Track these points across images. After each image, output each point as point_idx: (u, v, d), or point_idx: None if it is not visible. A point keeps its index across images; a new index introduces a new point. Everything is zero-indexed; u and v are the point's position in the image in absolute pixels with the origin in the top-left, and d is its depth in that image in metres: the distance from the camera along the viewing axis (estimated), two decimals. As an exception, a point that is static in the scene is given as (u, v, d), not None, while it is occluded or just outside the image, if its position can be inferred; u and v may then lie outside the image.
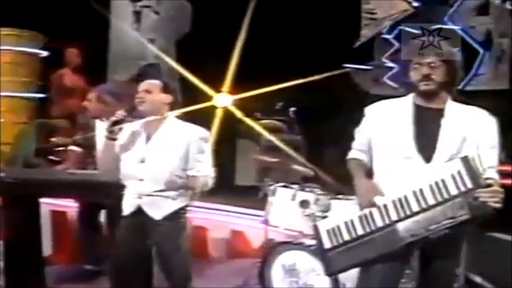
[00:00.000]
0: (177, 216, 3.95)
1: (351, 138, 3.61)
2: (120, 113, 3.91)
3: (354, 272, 3.41)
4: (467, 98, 3.37)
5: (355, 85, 9.41)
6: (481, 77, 8.37)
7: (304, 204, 4.92)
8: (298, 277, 4.60)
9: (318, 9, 8.66)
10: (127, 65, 8.61)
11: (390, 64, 9.07)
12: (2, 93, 7.84)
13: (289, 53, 8.69)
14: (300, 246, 4.66)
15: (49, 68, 8.37)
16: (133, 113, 4.01)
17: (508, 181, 3.19)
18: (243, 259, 6.49)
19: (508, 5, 8.00)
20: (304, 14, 8.79)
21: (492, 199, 2.97)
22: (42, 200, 5.00)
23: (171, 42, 9.00)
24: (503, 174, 3.20)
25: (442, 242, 3.10)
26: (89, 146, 5.19)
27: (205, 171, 3.96)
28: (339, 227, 3.27)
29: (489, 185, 3.01)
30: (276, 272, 4.70)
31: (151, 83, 4.05)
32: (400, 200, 3.13)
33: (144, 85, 4.04)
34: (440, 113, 3.24)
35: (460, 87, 3.49)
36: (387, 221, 3.14)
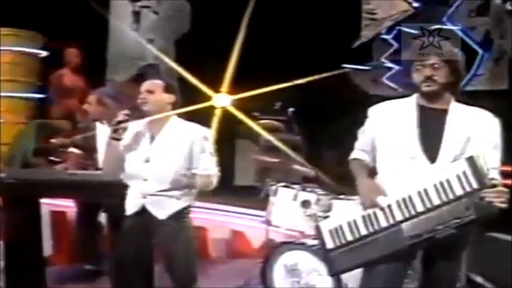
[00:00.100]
0: (182, 215, 3.95)
1: (350, 138, 3.61)
2: (124, 113, 3.91)
3: (356, 272, 3.40)
4: (466, 98, 3.38)
5: (354, 85, 9.41)
6: (480, 77, 8.39)
7: (305, 204, 4.93)
8: (300, 277, 4.59)
9: (317, 9, 8.66)
10: (126, 65, 8.62)
11: (389, 64, 9.07)
12: (2, 94, 7.83)
13: (288, 53, 8.70)
14: (302, 246, 4.65)
15: (48, 68, 8.36)
16: (136, 113, 4.00)
17: (507, 181, 3.18)
18: (243, 259, 6.50)
19: (508, 6, 8.01)
20: (303, 14, 8.80)
21: (498, 199, 2.97)
22: (42, 200, 4.99)
23: (170, 42, 9.01)
24: (503, 175, 3.20)
25: (446, 242, 3.10)
26: (88, 148, 5.19)
27: (210, 170, 3.97)
28: (341, 227, 3.27)
29: (494, 185, 3.02)
30: (278, 272, 4.69)
31: (154, 83, 4.04)
32: (404, 200, 3.14)
33: (146, 85, 4.03)
34: (444, 113, 3.25)
35: (459, 87, 3.49)
36: (391, 221, 3.14)
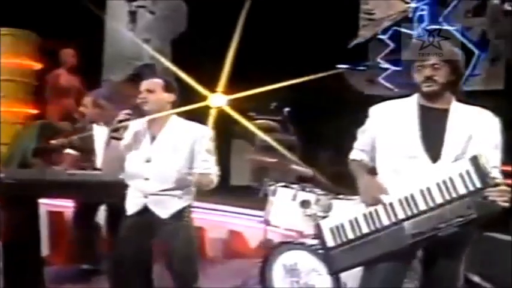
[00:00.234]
0: (183, 214, 3.96)
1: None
2: (125, 112, 3.90)
3: (356, 272, 3.40)
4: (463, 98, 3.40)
5: (350, 85, 9.42)
6: (476, 77, 8.41)
7: (305, 204, 4.92)
8: (299, 277, 4.58)
9: (313, 9, 8.67)
10: (122, 65, 8.60)
11: (385, 65, 9.09)
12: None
13: (284, 53, 8.70)
14: (301, 246, 4.64)
15: (44, 68, 8.35)
16: (136, 113, 4.00)
17: (508, 181, 3.19)
18: (240, 259, 6.50)
19: (506, 6, 8.03)
20: (299, 15, 8.80)
21: (501, 198, 2.98)
22: (40, 200, 4.99)
23: (166, 42, 9.01)
24: (504, 175, 3.21)
25: (447, 241, 3.11)
26: (85, 149, 5.19)
27: (211, 169, 3.98)
28: (343, 225, 3.26)
29: (497, 185, 3.03)
30: (277, 271, 4.68)
31: (154, 82, 4.03)
32: (406, 198, 3.14)
33: (146, 84, 4.02)
34: (445, 113, 3.26)
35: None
36: (393, 219, 3.15)
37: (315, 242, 4.57)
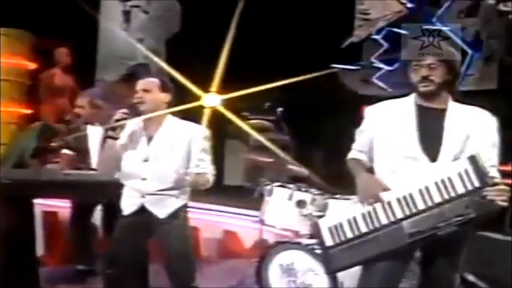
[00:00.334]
0: (180, 213, 3.98)
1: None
2: (122, 112, 3.90)
3: (353, 271, 3.41)
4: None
5: (344, 85, 9.43)
6: (469, 77, 8.43)
7: (301, 204, 4.93)
8: (295, 276, 4.59)
9: (307, 9, 8.67)
10: (116, 65, 8.59)
11: (379, 64, 9.10)
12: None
13: (277, 53, 8.70)
14: (297, 245, 4.65)
15: (39, 68, 8.33)
16: (131, 112, 3.99)
17: (508, 181, 3.21)
18: (235, 259, 6.51)
19: (501, 6, 8.06)
20: (293, 15, 8.81)
21: (500, 197, 3.00)
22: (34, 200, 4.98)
23: (160, 41, 9.00)
24: (503, 174, 3.23)
25: (446, 240, 3.12)
26: (80, 149, 5.18)
27: (208, 168, 4.00)
28: (341, 225, 3.26)
29: (495, 184, 3.04)
30: (274, 271, 4.69)
31: (150, 82, 4.03)
32: (405, 197, 3.15)
33: (142, 84, 4.02)
34: (442, 113, 3.27)
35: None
36: (392, 219, 3.15)
37: (312, 241, 4.59)
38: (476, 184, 3.05)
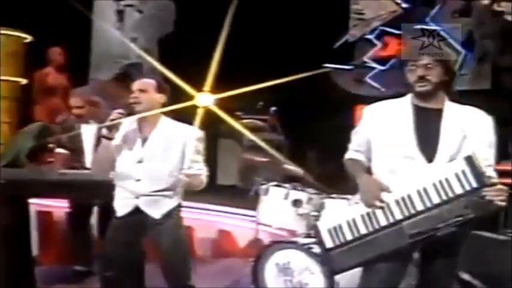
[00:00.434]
0: (174, 213, 3.99)
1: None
2: (118, 112, 3.90)
3: (348, 271, 3.42)
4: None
5: (337, 85, 9.45)
6: (462, 77, 8.46)
7: (297, 203, 4.93)
8: (292, 276, 4.59)
9: (301, 9, 8.69)
10: (109, 64, 8.57)
11: (372, 64, 9.13)
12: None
13: (271, 52, 8.71)
14: (294, 245, 4.66)
15: (32, 67, 8.30)
16: (127, 112, 3.99)
17: (507, 180, 3.23)
18: (230, 258, 6.51)
19: (496, 7, 8.09)
20: (287, 14, 8.82)
21: (498, 197, 3.02)
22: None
23: (153, 41, 8.99)
24: (503, 174, 3.24)
25: (445, 240, 3.13)
26: (75, 148, 5.17)
27: (202, 170, 4.02)
28: (341, 226, 3.27)
29: (493, 184, 3.06)
30: (270, 270, 4.69)
31: (146, 82, 4.03)
32: (403, 199, 3.16)
33: (138, 84, 4.02)
34: (439, 113, 3.28)
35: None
36: (391, 220, 3.16)
37: (308, 240, 4.60)
38: (474, 184, 3.07)
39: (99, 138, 4.27)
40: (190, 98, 7.82)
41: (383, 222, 3.18)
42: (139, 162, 3.93)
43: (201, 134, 4.09)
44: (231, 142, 9.36)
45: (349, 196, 4.48)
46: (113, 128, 3.91)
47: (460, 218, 3.06)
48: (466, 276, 5.05)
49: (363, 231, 3.22)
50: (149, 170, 3.91)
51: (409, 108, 3.32)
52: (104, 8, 8.86)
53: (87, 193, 4.62)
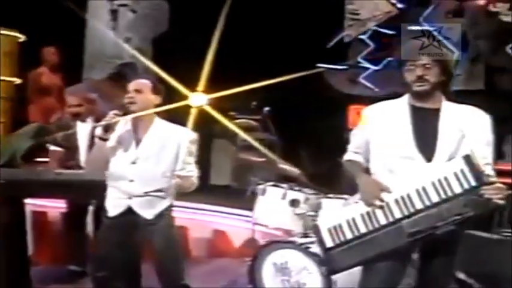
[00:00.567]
0: (166, 214, 4.01)
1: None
2: (114, 113, 3.90)
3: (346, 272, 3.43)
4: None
5: (331, 85, 9.46)
6: (456, 77, 8.48)
7: (294, 203, 4.93)
8: (289, 275, 4.59)
9: (295, 9, 8.69)
10: (103, 64, 8.56)
11: (365, 64, 9.15)
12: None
13: (265, 52, 8.71)
14: (292, 244, 4.66)
15: (26, 67, 8.27)
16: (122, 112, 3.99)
17: (507, 180, 3.25)
18: (225, 258, 6.50)
19: (491, 7, 8.12)
20: (281, 14, 8.82)
21: (497, 196, 3.04)
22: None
23: (147, 41, 8.98)
24: (502, 174, 3.26)
25: (443, 238, 3.14)
26: (70, 147, 5.16)
27: (194, 171, 4.05)
28: (340, 226, 3.28)
29: (492, 182, 3.08)
30: (267, 270, 4.69)
31: (142, 83, 4.05)
32: (403, 198, 3.18)
33: (134, 84, 4.03)
34: (436, 112, 3.30)
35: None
36: (391, 219, 3.18)
37: (305, 240, 4.60)
38: (473, 183, 3.09)
39: (93, 138, 4.27)
40: (183, 97, 7.83)
41: (383, 221, 3.20)
42: (133, 163, 3.95)
43: (194, 135, 4.11)
44: (224, 142, 9.36)
45: (345, 196, 4.53)
46: (109, 129, 3.92)
47: (459, 217, 3.08)
48: (461, 276, 5.07)
49: (363, 230, 3.23)
50: (143, 171, 3.93)
51: (406, 109, 3.34)
52: (98, 7, 8.85)
53: (83, 193, 4.61)
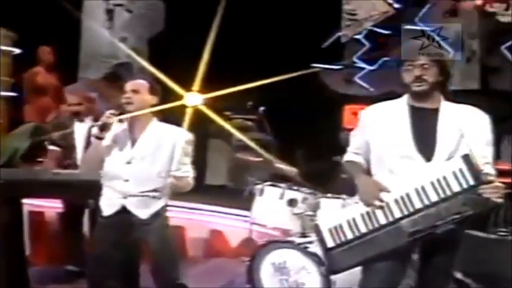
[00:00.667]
0: (161, 214, 4.02)
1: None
2: (110, 112, 3.91)
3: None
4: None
5: (326, 85, 9.47)
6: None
7: (292, 202, 4.94)
8: (288, 275, 4.59)
9: (291, 9, 8.70)
10: (98, 64, 8.55)
11: (361, 64, 9.16)
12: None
13: (260, 52, 8.71)
14: (290, 244, 4.67)
15: (22, 66, 8.25)
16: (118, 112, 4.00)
17: (507, 180, 3.26)
18: (222, 258, 6.50)
19: (487, 8, 8.14)
20: (277, 14, 8.82)
21: (495, 195, 3.06)
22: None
23: (143, 40, 8.97)
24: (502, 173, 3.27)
25: (443, 238, 3.15)
26: (67, 146, 5.15)
27: (189, 172, 4.06)
28: (341, 226, 3.29)
29: (490, 181, 3.09)
30: (266, 270, 4.68)
31: (139, 83, 4.06)
32: (402, 198, 3.19)
33: (131, 85, 4.04)
34: (435, 112, 3.32)
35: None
36: (391, 219, 3.19)
37: (304, 240, 4.61)
38: (471, 182, 3.11)
39: (89, 137, 4.27)
40: (179, 97, 7.82)
41: (382, 221, 3.21)
42: (128, 163, 3.95)
43: (190, 136, 4.12)
44: (220, 142, 9.35)
45: (343, 196, 4.54)
46: (105, 128, 3.92)
47: (458, 216, 3.10)
48: (459, 275, 5.08)
49: (363, 230, 3.24)
50: (138, 171, 3.94)
51: (405, 109, 3.35)
52: (94, 7, 8.85)
53: (81, 193, 4.60)
